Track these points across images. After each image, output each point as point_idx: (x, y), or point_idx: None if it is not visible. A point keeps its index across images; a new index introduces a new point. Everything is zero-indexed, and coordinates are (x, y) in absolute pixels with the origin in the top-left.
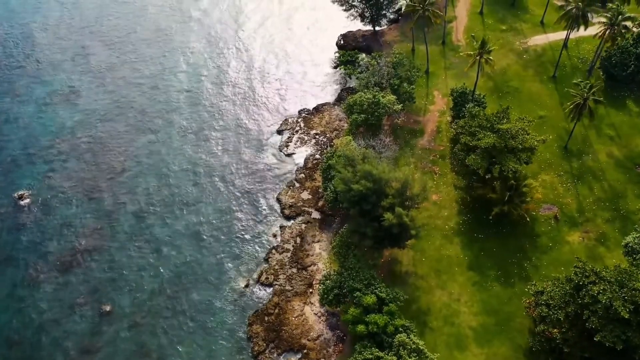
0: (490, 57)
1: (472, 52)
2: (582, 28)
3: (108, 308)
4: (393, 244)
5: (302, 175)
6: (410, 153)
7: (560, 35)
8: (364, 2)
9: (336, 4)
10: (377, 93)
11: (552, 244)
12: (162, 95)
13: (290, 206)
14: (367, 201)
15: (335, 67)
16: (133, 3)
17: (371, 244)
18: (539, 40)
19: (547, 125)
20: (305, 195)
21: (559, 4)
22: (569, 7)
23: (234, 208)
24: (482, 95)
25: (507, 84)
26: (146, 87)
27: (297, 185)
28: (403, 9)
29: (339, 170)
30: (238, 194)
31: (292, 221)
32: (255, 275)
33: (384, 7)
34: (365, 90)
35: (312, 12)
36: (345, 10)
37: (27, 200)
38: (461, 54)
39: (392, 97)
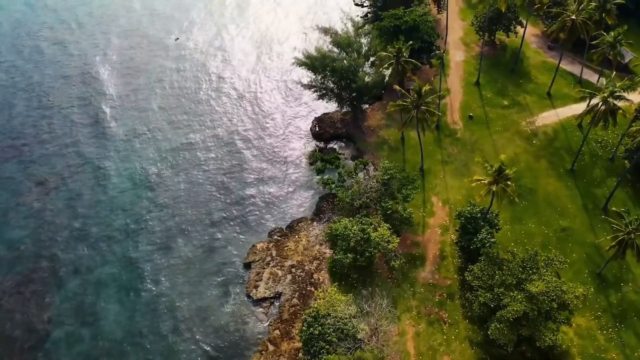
0: (509, 182)
1: (485, 180)
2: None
3: None
4: None
5: (277, 331)
6: (410, 292)
7: (571, 109)
8: (345, 91)
9: (311, 90)
10: (366, 224)
11: None
12: (94, 223)
13: None
14: None
15: (310, 164)
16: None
17: None
18: (548, 117)
19: (573, 242)
20: None
21: (568, 69)
22: (596, 102)
23: None
24: (494, 214)
25: (518, 183)
26: (80, 206)
27: (270, 348)
28: (387, 78)
29: None
30: None
31: None
32: None
33: (367, 92)
34: (351, 219)
35: (278, 95)
36: (320, 97)
37: None
38: (472, 184)
39: (386, 231)
